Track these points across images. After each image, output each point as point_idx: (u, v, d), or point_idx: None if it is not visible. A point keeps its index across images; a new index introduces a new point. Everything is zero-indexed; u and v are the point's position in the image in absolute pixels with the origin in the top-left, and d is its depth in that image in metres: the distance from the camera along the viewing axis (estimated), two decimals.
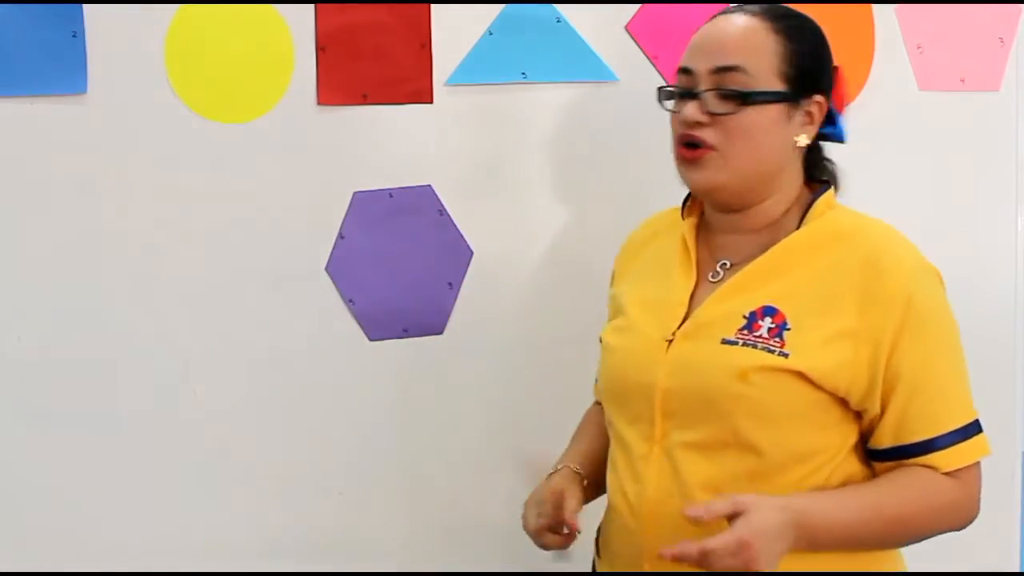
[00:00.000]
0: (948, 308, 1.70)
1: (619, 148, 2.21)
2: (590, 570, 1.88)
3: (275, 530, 2.02)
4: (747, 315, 1.67)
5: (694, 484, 1.65)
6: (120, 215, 1.89)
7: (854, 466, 1.68)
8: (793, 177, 1.74)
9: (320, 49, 1.98)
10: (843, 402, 1.65)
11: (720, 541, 1.52)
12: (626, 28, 2.22)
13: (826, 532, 1.60)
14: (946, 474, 1.65)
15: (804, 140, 1.72)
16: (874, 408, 1.65)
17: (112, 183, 1.88)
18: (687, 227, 1.79)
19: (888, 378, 1.63)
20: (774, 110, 1.69)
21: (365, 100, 2.03)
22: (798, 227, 1.72)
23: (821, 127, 1.74)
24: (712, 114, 1.68)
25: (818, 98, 1.72)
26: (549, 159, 2.18)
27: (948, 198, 2.59)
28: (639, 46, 2.22)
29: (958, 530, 1.70)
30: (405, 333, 2.09)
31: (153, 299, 1.91)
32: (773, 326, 1.65)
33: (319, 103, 1.99)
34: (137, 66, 1.87)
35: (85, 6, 1.82)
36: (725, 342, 1.66)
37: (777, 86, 1.69)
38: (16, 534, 1.86)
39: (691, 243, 1.78)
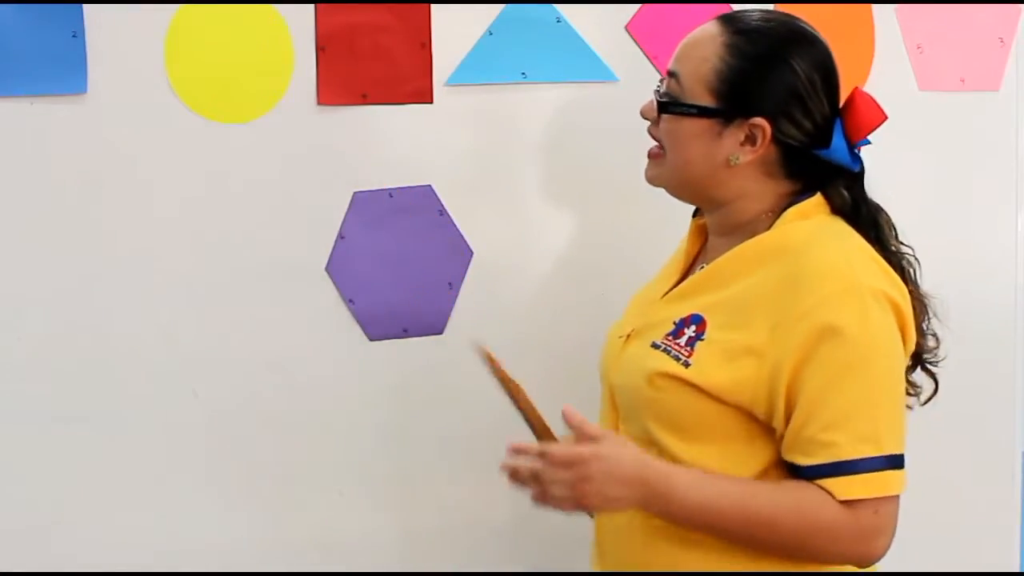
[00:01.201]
0: (878, 336, 1.58)
1: (619, 148, 2.21)
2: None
3: (275, 530, 2.02)
4: (676, 321, 1.67)
5: None
6: (120, 215, 1.89)
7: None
8: (759, 188, 1.69)
9: (320, 49, 1.98)
10: (755, 416, 1.62)
11: (559, 447, 1.53)
12: (626, 28, 2.22)
13: (680, 505, 1.55)
14: (841, 502, 1.55)
15: (737, 161, 1.66)
16: (780, 427, 1.60)
17: (112, 183, 1.88)
18: (692, 228, 1.81)
19: (790, 398, 1.57)
20: (696, 123, 1.67)
21: (365, 100, 2.03)
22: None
23: (820, 147, 1.67)
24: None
25: (757, 121, 1.64)
26: (549, 159, 2.18)
27: (948, 198, 2.59)
28: (639, 46, 2.22)
29: (848, 564, 1.61)
30: (405, 333, 2.09)
31: (153, 299, 1.92)
32: (692, 335, 1.65)
33: (319, 103, 1.99)
34: (137, 66, 1.87)
35: (85, 6, 1.82)
36: (653, 345, 1.68)
37: (704, 100, 1.66)
38: (16, 534, 1.86)
39: (691, 244, 1.80)
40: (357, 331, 2.06)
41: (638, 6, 2.22)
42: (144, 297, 1.91)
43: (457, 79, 2.09)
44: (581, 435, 1.55)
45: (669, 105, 1.69)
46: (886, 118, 1.71)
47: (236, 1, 1.92)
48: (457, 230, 2.11)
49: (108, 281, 1.89)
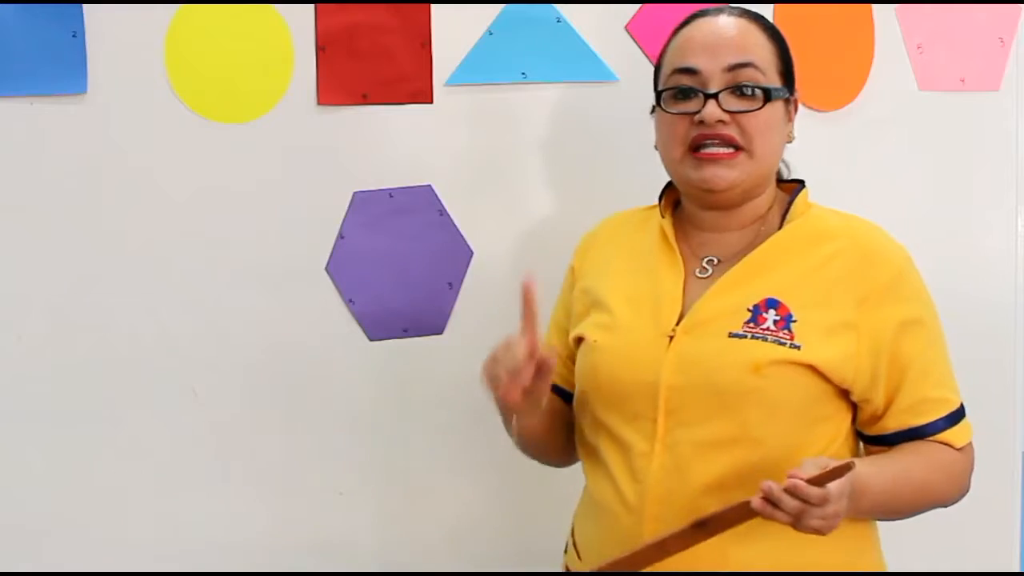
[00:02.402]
0: (930, 294, 1.74)
1: (619, 148, 2.21)
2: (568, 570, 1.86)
3: (275, 530, 2.02)
4: (751, 308, 1.66)
5: (698, 481, 1.63)
6: (120, 215, 1.89)
7: (845, 455, 1.70)
8: (774, 175, 1.80)
9: (320, 49, 1.98)
10: (844, 393, 1.67)
11: (833, 488, 1.49)
12: (626, 28, 2.22)
13: (873, 496, 1.61)
14: (957, 449, 1.70)
15: (793, 137, 1.77)
16: (877, 398, 1.67)
17: (112, 183, 1.88)
18: (667, 223, 1.79)
19: (895, 367, 1.66)
20: (781, 107, 1.74)
21: (365, 100, 2.03)
22: (780, 224, 1.74)
23: None
24: (731, 112, 1.68)
25: (796, 96, 1.77)
26: (549, 159, 2.18)
27: (948, 198, 2.60)
28: (639, 46, 2.22)
29: (951, 504, 1.74)
30: (405, 333, 2.09)
31: (153, 299, 1.92)
32: (779, 318, 1.65)
33: (319, 103, 1.99)
34: (137, 66, 1.87)
35: (85, 6, 1.82)
36: (733, 335, 1.65)
37: (779, 83, 1.73)
38: (16, 534, 1.86)
39: (673, 239, 1.77)
40: (357, 331, 2.06)
41: (638, 6, 2.22)
42: (144, 297, 1.91)
43: (457, 79, 2.09)
44: (842, 470, 1.50)
45: (773, 91, 1.71)
46: None
47: (236, 1, 1.92)
48: (457, 230, 2.11)
49: (108, 281, 1.89)
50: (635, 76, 2.21)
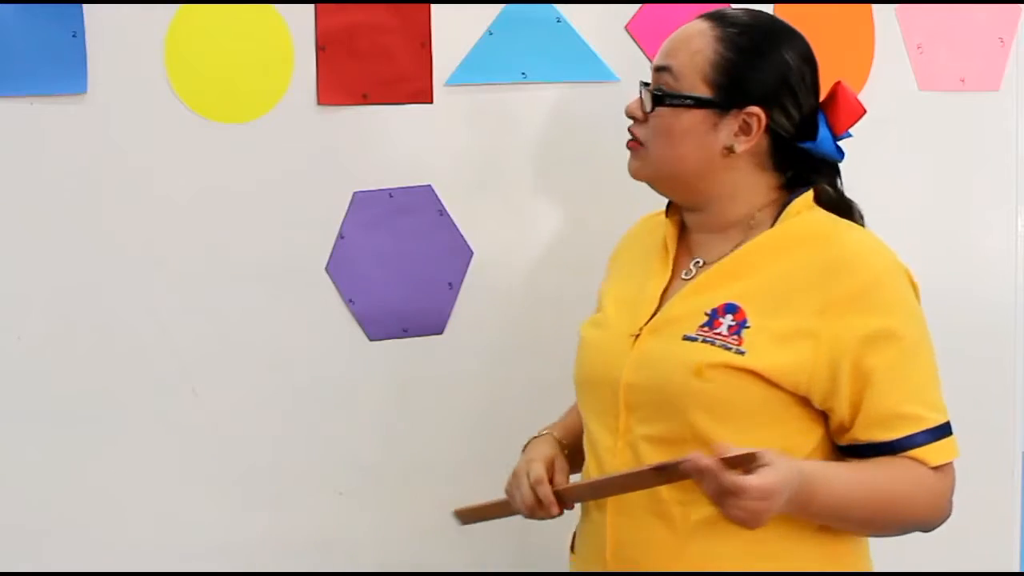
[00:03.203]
0: (918, 309, 1.68)
1: (619, 148, 2.20)
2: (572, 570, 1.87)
3: (275, 530, 2.02)
4: (709, 312, 1.67)
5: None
6: (120, 215, 1.89)
7: None
8: (752, 181, 1.72)
9: (320, 49, 1.98)
10: (805, 400, 1.64)
11: (753, 482, 1.48)
12: (626, 28, 2.22)
13: (823, 502, 1.59)
14: (933, 468, 1.64)
15: (737, 149, 1.69)
16: (841, 408, 1.63)
17: (112, 183, 1.88)
18: (669, 225, 1.81)
19: (858, 378, 1.61)
20: (694, 115, 1.70)
21: (365, 100, 2.03)
22: (772, 227, 1.73)
23: (806, 140, 1.71)
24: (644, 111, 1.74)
25: (753, 110, 1.68)
26: (549, 159, 2.18)
27: (948, 198, 2.60)
28: (639, 46, 2.23)
29: (930, 529, 1.69)
30: (405, 333, 2.09)
31: (153, 299, 1.92)
32: (733, 324, 1.65)
33: (319, 103, 1.99)
34: (137, 66, 1.87)
35: (85, 6, 1.82)
36: (686, 338, 1.67)
37: (702, 92, 1.69)
38: (16, 534, 1.86)
39: (671, 241, 1.79)
40: (357, 331, 2.06)
41: (638, 6, 2.22)
42: (144, 297, 1.91)
43: (457, 79, 2.09)
44: (757, 460, 1.51)
45: (665, 97, 1.71)
46: (865, 112, 1.75)
47: (236, 1, 1.92)
48: (457, 230, 2.11)
49: (108, 281, 1.89)
50: (635, 76, 2.19)
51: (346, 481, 2.07)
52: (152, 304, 1.92)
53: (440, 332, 2.12)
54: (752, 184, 1.73)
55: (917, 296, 1.70)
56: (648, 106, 1.73)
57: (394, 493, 2.11)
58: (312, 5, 1.97)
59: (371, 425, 2.08)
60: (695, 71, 1.70)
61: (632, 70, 2.20)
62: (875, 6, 2.44)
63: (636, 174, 1.78)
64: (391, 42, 2.03)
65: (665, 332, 1.70)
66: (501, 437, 2.18)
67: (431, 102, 2.07)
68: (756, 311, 1.65)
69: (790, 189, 1.74)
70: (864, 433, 1.63)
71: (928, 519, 1.67)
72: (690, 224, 1.78)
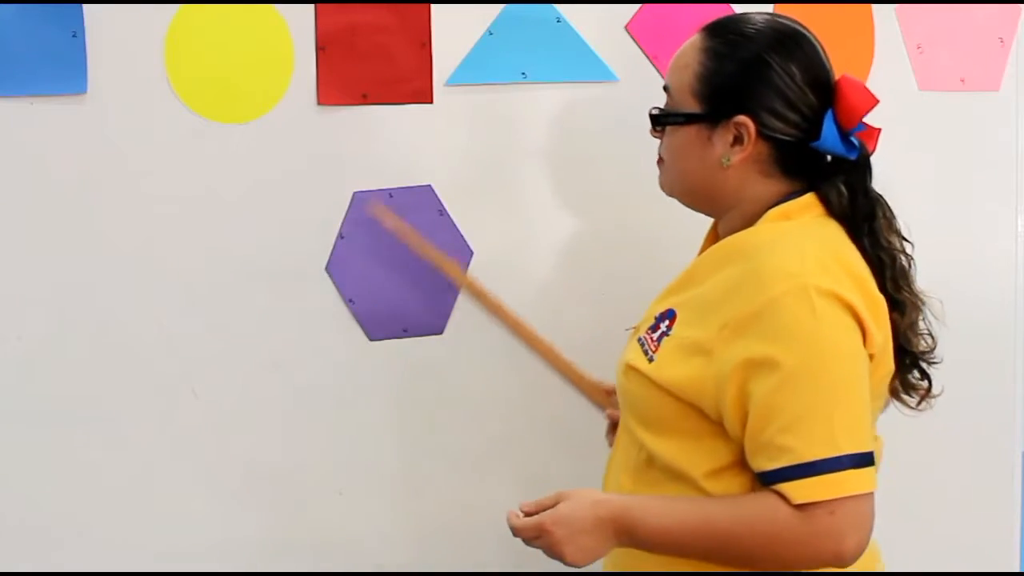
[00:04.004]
0: (828, 337, 1.55)
1: (619, 148, 2.21)
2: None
3: (275, 530, 2.02)
4: (657, 316, 1.71)
5: (618, 462, 1.77)
6: (120, 215, 1.89)
7: (736, 487, 1.62)
8: (758, 189, 1.69)
9: (320, 49, 1.98)
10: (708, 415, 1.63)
11: (523, 522, 1.61)
12: (626, 28, 2.22)
13: (647, 534, 1.59)
14: (795, 506, 1.52)
15: (728, 161, 1.66)
16: (732, 428, 1.59)
17: (112, 183, 1.88)
18: (709, 232, 1.82)
19: (740, 402, 1.56)
20: (688, 131, 1.70)
21: (365, 100, 2.03)
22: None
23: (816, 141, 1.65)
24: None
25: (740, 119, 1.64)
26: (549, 159, 2.18)
27: (948, 198, 2.60)
28: (639, 46, 2.23)
29: (823, 567, 1.55)
30: (405, 333, 2.09)
31: (153, 299, 1.92)
32: (664, 330, 1.67)
33: (319, 103, 1.99)
34: (137, 66, 1.87)
35: (85, 6, 1.82)
36: (638, 340, 1.73)
37: (691, 107, 1.69)
38: (16, 534, 1.86)
39: (704, 247, 1.80)
40: (357, 331, 2.06)
41: (638, 6, 2.22)
42: (144, 297, 1.91)
43: (457, 79, 2.09)
44: (542, 504, 1.62)
45: (659, 118, 1.74)
46: (877, 102, 1.69)
47: (236, 1, 1.92)
48: (457, 230, 2.11)
49: (108, 281, 1.89)
50: (635, 76, 2.21)
51: (346, 481, 2.07)
52: (152, 304, 1.92)
53: (440, 332, 2.12)
54: (759, 192, 1.69)
55: (852, 320, 1.57)
56: (652, 129, 1.75)
57: (394, 493, 2.11)
58: (312, 5, 1.97)
59: (371, 425, 2.08)
60: (684, 87, 1.69)
61: (632, 70, 2.21)
62: (875, 6, 2.44)
63: (663, 190, 1.79)
64: (391, 42, 2.03)
65: (637, 333, 1.76)
66: (501, 437, 2.18)
67: (431, 102, 2.07)
68: (683, 320, 1.66)
69: (794, 196, 1.69)
70: (751, 460, 1.58)
71: (797, 560, 1.55)
72: (719, 231, 1.78)
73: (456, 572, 2.15)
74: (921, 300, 1.71)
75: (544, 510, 1.61)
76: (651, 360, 1.66)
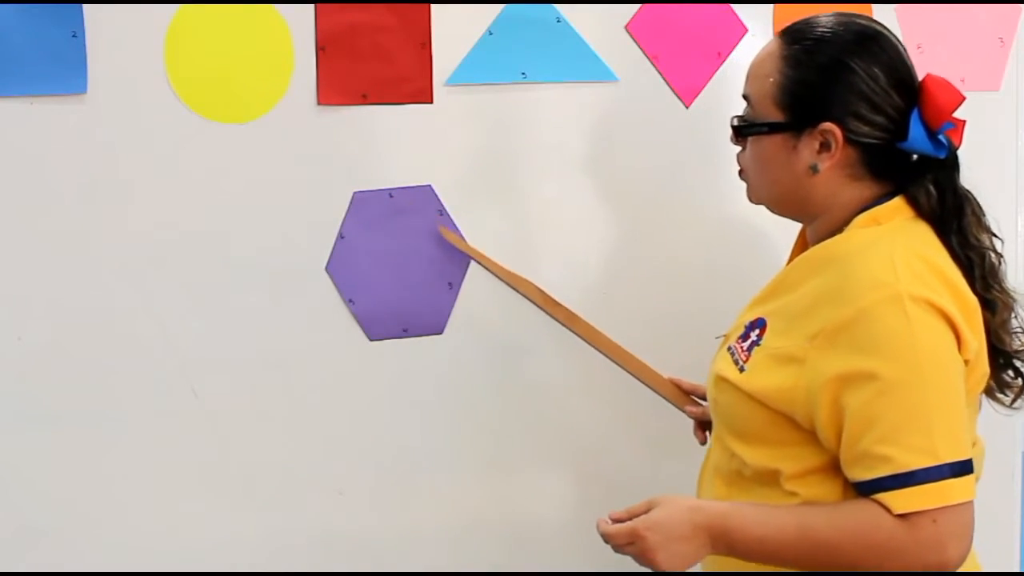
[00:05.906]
0: (924, 345, 1.55)
1: (619, 148, 2.21)
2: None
3: (275, 530, 2.02)
4: (747, 325, 1.70)
5: (711, 464, 1.77)
6: (120, 215, 1.89)
7: (826, 491, 1.63)
8: (848, 193, 1.67)
9: (320, 49, 1.98)
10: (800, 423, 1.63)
11: (615, 528, 1.59)
12: (626, 28, 2.22)
13: (744, 543, 1.59)
14: (897, 515, 1.53)
15: (817, 169, 1.65)
16: (826, 438, 1.59)
17: (112, 183, 1.88)
18: (798, 238, 1.82)
19: (836, 413, 1.56)
20: (773, 140, 1.68)
21: (365, 100, 2.03)
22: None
23: (903, 142, 1.64)
24: None
25: (826, 126, 1.63)
26: (549, 159, 2.18)
27: None
28: (639, 46, 2.22)
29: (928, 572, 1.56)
30: (405, 333, 2.09)
31: (153, 299, 1.92)
32: (755, 339, 1.67)
33: (319, 103, 1.99)
34: (137, 66, 1.87)
35: (85, 6, 1.82)
36: (728, 349, 1.72)
37: (775, 116, 1.67)
38: (16, 534, 1.86)
39: (793, 254, 1.81)
40: (357, 331, 2.06)
41: (638, 6, 2.22)
42: (144, 297, 1.91)
43: (457, 79, 2.09)
44: (633, 512, 1.60)
45: (743, 128, 1.71)
46: (964, 99, 1.68)
47: (236, 1, 1.92)
48: (457, 230, 2.11)
49: (108, 281, 1.89)
50: (635, 76, 2.21)
51: (346, 481, 2.07)
52: (152, 304, 1.92)
53: (440, 332, 2.12)
54: (849, 196, 1.67)
55: (946, 327, 1.57)
56: (733, 138, 1.74)
57: (394, 493, 2.11)
58: (312, 5, 1.97)
59: (371, 425, 2.08)
60: (766, 97, 1.68)
61: (632, 70, 2.21)
62: (875, 6, 2.44)
63: (750, 200, 1.78)
64: (391, 42, 2.03)
65: (727, 341, 1.75)
66: (501, 437, 2.18)
67: (431, 102, 2.07)
68: (773, 329, 1.66)
69: (884, 199, 1.67)
70: (847, 470, 1.59)
71: (901, 568, 1.55)
72: (808, 237, 1.77)
73: (456, 572, 2.15)
74: (1012, 298, 1.70)
75: (635, 516, 1.59)
76: (742, 370, 1.66)
